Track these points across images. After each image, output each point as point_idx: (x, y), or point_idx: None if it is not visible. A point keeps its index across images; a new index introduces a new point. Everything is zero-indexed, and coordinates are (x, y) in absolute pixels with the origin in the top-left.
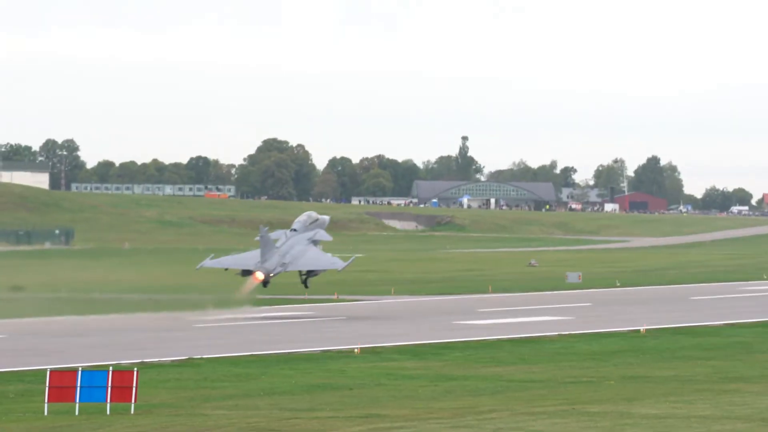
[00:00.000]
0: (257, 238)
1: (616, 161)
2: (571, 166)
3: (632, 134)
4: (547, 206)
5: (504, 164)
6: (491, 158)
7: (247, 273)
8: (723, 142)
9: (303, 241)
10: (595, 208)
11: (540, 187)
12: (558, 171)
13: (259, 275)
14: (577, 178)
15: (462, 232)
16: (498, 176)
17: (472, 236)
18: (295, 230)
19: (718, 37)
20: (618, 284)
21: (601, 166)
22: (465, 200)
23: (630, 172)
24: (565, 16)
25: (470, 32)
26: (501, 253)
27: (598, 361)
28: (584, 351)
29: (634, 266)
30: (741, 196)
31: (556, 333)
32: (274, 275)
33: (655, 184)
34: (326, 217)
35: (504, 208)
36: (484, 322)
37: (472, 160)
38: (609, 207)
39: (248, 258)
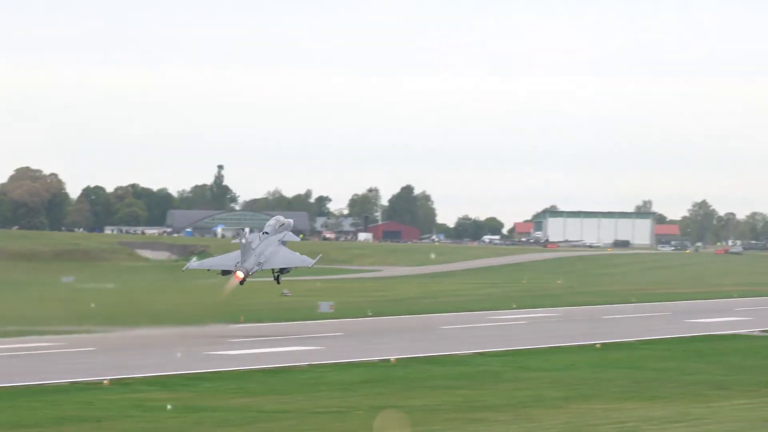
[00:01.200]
0: (236, 241)
1: (370, 190)
2: (326, 195)
3: (386, 164)
4: (302, 236)
5: (259, 193)
6: (247, 187)
7: (227, 273)
8: (475, 173)
9: (275, 243)
10: (349, 237)
11: (294, 217)
12: (313, 200)
13: (240, 274)
14: (332, 207)
15: None
16: (253, 205)
17: None
18: (266, 233)
19: (465, 66)
20: (370, 313)
21: (356, 195)
22: (219, 230)
23: (384, 201)
24: (333, 44)
25: (228, 58)
26: (255, 283)
27: (347, 391)
28: (334, 381)
29: (386, 295)
30: (493, 225)
31: (307, 363)
32: (252, 273)
33: (409, 213)
34: (291, 221)
35: None
36: (235, 353)
37: (227, 189)
38: (362, 236)
39: (228, 259)
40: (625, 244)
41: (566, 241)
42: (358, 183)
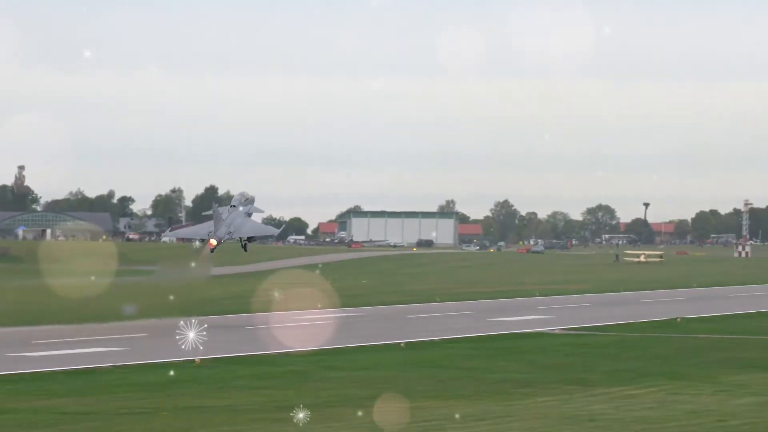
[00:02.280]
0: (209, 212)
1: (173, 191)
2: (128, 195)
3: (190, 164)
4: (104, 237)
5: (61, 194)
6: (48, 188)
7: (202, 241)
8: (279, 172)
9: (242, 215)
10: (153, 238)
11: (97, 218)
12: (115, 201)
13: (213, 242)
14: (135, 207)
15: (20, 264)
16: (54, 206)
17: (32, 269)
18: (234, 206)
19: (264, 66)
20: (180, 314)
21: (159, 195)
22: (20, 231)
23: (188, 201)
24: (130, 40)
25: (26, 56)
26: (58, 285)
27: (152, 392)
28: (139, 382)
29: (188, 296)
30: (298, 226)
31: (111, 364)
32: (224, 241)
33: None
34: (254, 196)
35: (60, 239)
36: (38, 354)
37: (28, 190)
38: (166, 237)
39: (202, 229)
40: (429, 243)
41: (370, 241)
42: (161, 183)
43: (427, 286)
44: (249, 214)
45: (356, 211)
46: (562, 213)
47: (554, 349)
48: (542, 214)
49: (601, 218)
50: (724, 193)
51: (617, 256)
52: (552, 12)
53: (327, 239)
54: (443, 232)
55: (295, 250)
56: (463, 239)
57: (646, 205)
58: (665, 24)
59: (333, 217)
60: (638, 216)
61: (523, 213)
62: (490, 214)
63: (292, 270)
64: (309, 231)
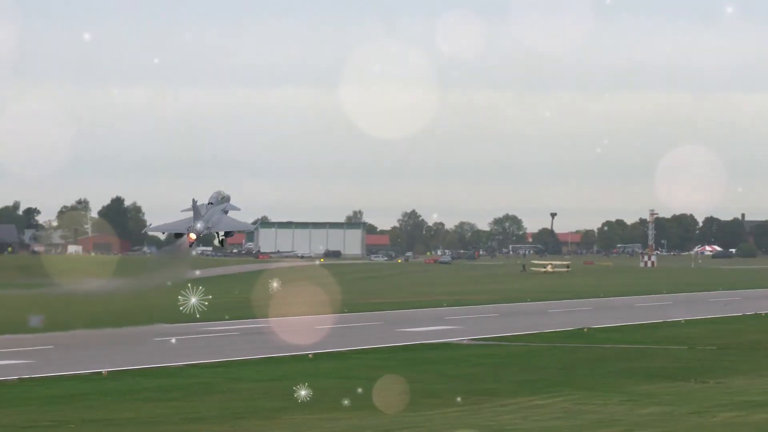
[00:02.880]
0: (187, 209)
1: (79, 202)
2: (34, 207)
3: (96, 175)
4: (10, 248)
5: None
6: None
7: (179, 236)
8: (184, 183)
9: (219, 211)
10: (59, 250)
11: (2, 229)
12: (21, 212)
13: (192, 236)
14: (41, 219)
15: None
16: None
17: None
18: (211, 203)
19: (170, 78)
20: (82, 327)
21: (65, 207)
22: None
23: (94, 213)
24: (36, 52)
25: None
26: None
27: (59, 405)
28: (45, 395)
29: (96, 309)
30: (204, 237)
31: (16, 377)
32: (201, 235)
33: (120, 225)
34: (229, 195)
35: None
36: None
37: None
38: (72, 249)
39: (181, 224)
40: (336, 254)
41: (278, 252)
42: (67, 194)
43: (335, 296)
44: (225, 211)
45: (264, 222)
46: (469, 223)
47: (463, 359)
48: (449, 224)
49: (508, 228)
50: (630, 203)
51: (524, 266)
52: (456, 23)
53: (234, 250)
54: (351, 243)
55: (202, 261)
56: (371, 250)
57: (553, 215)
58: (572, 34)
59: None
60: (545, 226)
61: (431, 223)
62: (397, 224)
63: (202, 281)
64: (216, 242)
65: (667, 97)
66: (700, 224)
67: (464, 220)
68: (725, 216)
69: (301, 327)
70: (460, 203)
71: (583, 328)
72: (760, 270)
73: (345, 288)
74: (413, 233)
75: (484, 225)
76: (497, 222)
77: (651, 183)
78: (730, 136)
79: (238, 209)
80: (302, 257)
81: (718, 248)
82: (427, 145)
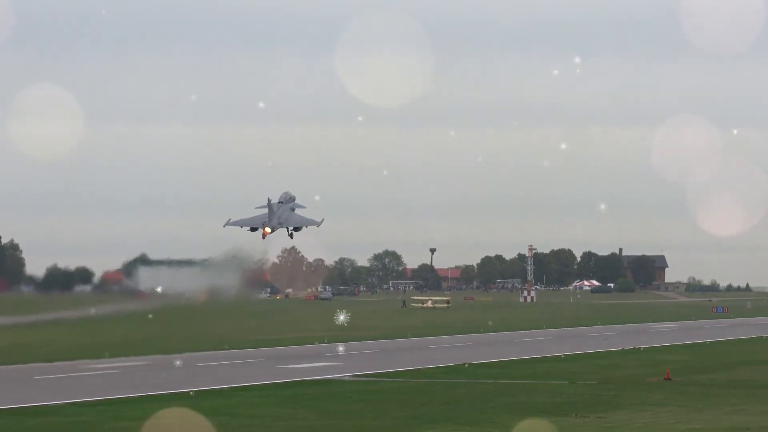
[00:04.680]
0: (261, 206)
1: None
2: None
3: None
4: None
5: None
6: None
7: (254, 230)
8: (64, 220)
9: (288, 209)
10: None
11: None
12: None
13: (268, 230)
14: None
15: None
16: None
17: None
18: (281, 202)
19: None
20: None
21: None
22: None
23: None
24: None
25: None
26: None
27: None
28: None
29: None
30: (83, 275)
31: None
32: (275, 230)
33: None
34: (294, 195)
35: None
36: None
37: None
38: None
39: (257, 219)
40: (215, 292)
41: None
42: None
43: (216, 332)
44: (293, 209)
45: (143, 259)
46: (349, 259)
47: (344, 395)
48: (329, 260)
49: (387, 264)
50: (509, 238)
51: (404, 302)
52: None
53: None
54: (231, 280)
55: (80, 300)
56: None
57: (432, 250)
58: (452, 73)
59: (119, 266)
60: (424, 261)
61: (311, 259)
62: (277, 260)
63: (84, 320)
64: (95, 280)
65: (545, 132)
66: (579, 259)
67: (344, 255)
68: (603, 251)
69: (181, 364)
70: (339, 239)
71: (464, 364)
72: (638, 304)
73: (227, 324)
74: (293, 269)
75: (363, 261)
76: (377, 258)
77: (530, 218)
78: (606, 171)
79: (304, 207)
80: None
81: (596, 283)
82: (305, 180)
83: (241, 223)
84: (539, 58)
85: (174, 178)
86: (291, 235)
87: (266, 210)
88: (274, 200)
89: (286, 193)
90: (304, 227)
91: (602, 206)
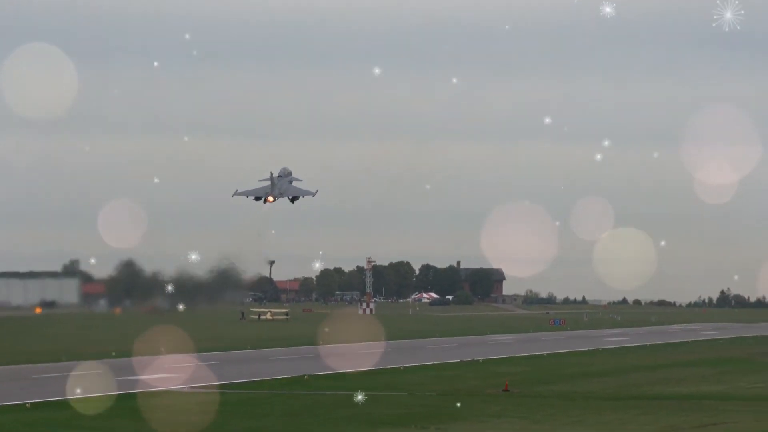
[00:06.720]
0: (264, 179)
1: None
2: None
3: None
4: None
5: None
6: None
7: (258, 199)
8: None
9: (287, 182)
10: None
11: None
12: None
13: (270, 198)
14: None
15: None
16: None
17: None
18: (281, 176)
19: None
20: None
21: None
22: None
23: None
24: None
25: None
26: None
27: None
28: None
29: None
30: None
31: None
32: (276, 199)
33: None
34: (291, 170)
35: None
36: None
37: None
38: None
39: (261, 190)
40: (51, 304)
41: None
42: None
43: (53, 346)
44: (290, 182)
45: None
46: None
47: (184, 407)
48: (168, 272)
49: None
50: (348, 250)
51: (243, 313)
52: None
53: None
54: (67, 292)
55: None
56: (88, 299)
57: (271, 262)
58: (284, 84)
59: None
60: (263, 273)
61: (149, 272)
62: (114, 273)
63: None
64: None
65: (385, 144)
66: (417, 272)
67: (182, 267)
68: (441, 263)
69: (16, 376)
70: (177, 251)
71: (303, 376)
72: (476, 317)
73: (64, 338)
74: (131, 282)
75: (200, 272)
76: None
77: (368, 230)
78: (445, 184)
79: (301, 180)
80: (18, 308)
81: (435, 295)
82: (147, 194)
83: (247, 193)
84: (384, 67)
85: (12, 188)
86: (292, 201)
87: (269, 182)
88: (275, 174)
89: (284, 168)
90: (302, 197)
91: (441, 219)
